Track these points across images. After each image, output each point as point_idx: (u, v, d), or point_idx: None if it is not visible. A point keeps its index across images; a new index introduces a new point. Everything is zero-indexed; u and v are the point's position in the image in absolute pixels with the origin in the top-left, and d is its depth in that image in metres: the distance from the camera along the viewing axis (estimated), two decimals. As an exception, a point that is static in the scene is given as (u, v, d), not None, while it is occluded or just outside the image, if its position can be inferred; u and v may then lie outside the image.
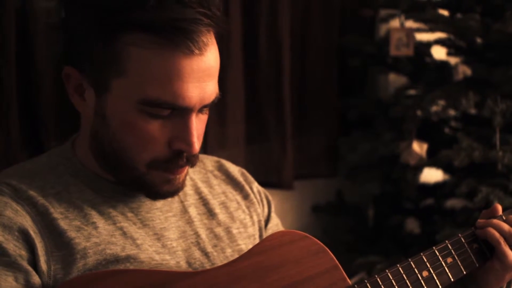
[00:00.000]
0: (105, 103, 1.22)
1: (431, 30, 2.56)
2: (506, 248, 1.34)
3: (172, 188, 1.26)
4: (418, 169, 2.53)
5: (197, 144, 1.22)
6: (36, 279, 1.15)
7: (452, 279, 1.33)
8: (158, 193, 1.26)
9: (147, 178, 1.24)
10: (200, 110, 1.24)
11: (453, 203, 2.60)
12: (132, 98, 1.19)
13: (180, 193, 1.35)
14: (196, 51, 1.18)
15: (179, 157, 1.23)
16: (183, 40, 1.17)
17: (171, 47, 1.17)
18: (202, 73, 1.19)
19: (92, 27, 1.20)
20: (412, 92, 2.64)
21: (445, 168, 2.58)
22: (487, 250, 1.37)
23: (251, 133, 2.57)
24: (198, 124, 1.23)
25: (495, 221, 1.37)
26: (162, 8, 1.16)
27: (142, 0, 1.15)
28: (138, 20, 1.16)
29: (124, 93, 1.19)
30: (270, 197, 1.50)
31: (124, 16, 1.17)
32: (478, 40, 2.52)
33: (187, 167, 1.27)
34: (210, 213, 1.37)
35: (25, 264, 1.14)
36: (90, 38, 1.20)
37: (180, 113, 1.20)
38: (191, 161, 1.25)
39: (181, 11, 1.16)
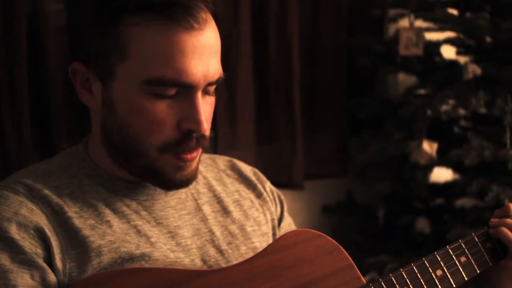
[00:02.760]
0: (111, 91, 1.22)
1: (441, 29, 2.56)
2: None
3: (185, 176, 1.26)
4: (428, 168, 2.52)
5: (205, 123, 1.22)
6: (52, 276, 1.15)
7: (466, 278, 1.33)
8: (172, 181, 1.26)
9: (159, 165, 1.23)
10: (206, 92, 1.24)
11: (463, 202, 2.59)
12: (137, 80, 1.19)
13: (194, 191, 1.36)
14: (196, 26, 1.19)
15: (189, 138, 1.22)
16: (182, 15, 1.18)
17: (171, 23, 1.18)
18: (203, 50, 1.20)
19: (92, 17, 1.21)
20: (421, 91, 2.64)
21: (455, 168, 2.58)
22: (501, 249, 1.37)
23: (261, 134, 2.58)
24: (205, 107, 1.23)
25: (508, 220, 1.37)
26: None
27: None
28: (136, 1, 1.18)
29: (129, 76, 1.20)
30: (282, 197, 1.50)
31: (123, 0, 1.18)
32: (488, 39, 2.51)
33: (198, 153, 1.26)
34: (224, 210, 1.38)
35: (41, 262, 1.15)
36: (91, 29, 1.21)
37: (186, 92, 1.21)
38: (201, 142, 1.24)
39: None
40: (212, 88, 1.26)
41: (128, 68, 1.20)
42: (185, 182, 1.27)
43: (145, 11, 1.18)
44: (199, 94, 1.22)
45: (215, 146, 2.44)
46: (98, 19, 1.20)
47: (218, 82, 1.25)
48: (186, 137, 1.22)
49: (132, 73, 1.20)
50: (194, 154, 1.25)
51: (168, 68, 1.18)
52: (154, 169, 1.24)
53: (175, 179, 1.26)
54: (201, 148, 1.26)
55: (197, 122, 1.21)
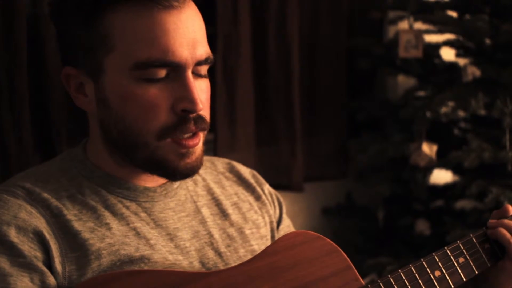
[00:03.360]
0: (103, 86, 1.23)
1: (440, 31, 2.56)
2: None
3: (190, 164, 1.25)
4: (428, 170, 2.53)
5: (199, 101, 1.21)
6: (51, 280, 1.16)
7: (464, 279, 1.33)
8: (177, 170, 1.25)
9: (160, 153, 1.23)
10: (198, 74, 1.24)
11: (463, 204, 2.60)
12: (125, 67, 1.20)
13: (193, 193, 1.36)
14: (175, 4, 1.20)
15: (186, 120, 1.22)
16: None
17: (150, 5, 1.19)
18: (186, 28, 1.21)
19: (73, 18, 1.23)
20: (421, 93, 2.64)
21: (455, 169, 2.58)
22: (499, 250, 1.38)
23: (261, 136, 2.58)
24: (199, 90, 1.23)
25: (506, 221, 1.38)
26: None
27: None
28: None
29: (117, 66, 1.21)
30: (281, 199, 1.50)
31: None
32: (487, 41, 2.52)
33: (199, 139, 1.25)
34: (223, 213, 1.38)
35: (40, 265, 1.15)
36: (76, 28, 1.23)
37: (175, 73, 1.21)
38: (199, 124, 1.24)
39: None
40: (203, 69, 1.26)
41: (115, 58, 1.21)
42: (190, 170, 1.26)
43: None
44: (189, 73, 1.22)
45: (214, 148, 2.44)
46: (79, 17, 1.22)
47: (208, 63, 1.25)
48: (183, 119, 1.22)
49: (119, 62, 1.20)
50: (196, 140, 1.24)
51: (153, 49, 1.19)
52: (157, 159, 1.24)
53: (180, 168, 1.25)
54: (201, 132, 1.26)
55: (191, 100, 1.21)
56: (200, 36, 1.24)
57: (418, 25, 2.58)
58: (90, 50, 1.22)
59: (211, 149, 2.43)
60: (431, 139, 2.45)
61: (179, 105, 1.21)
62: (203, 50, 1.23)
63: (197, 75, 1.24)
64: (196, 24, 1.23)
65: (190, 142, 1.23)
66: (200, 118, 1.24)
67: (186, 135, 1.23)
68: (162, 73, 1.20)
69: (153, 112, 1.21)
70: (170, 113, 1.21)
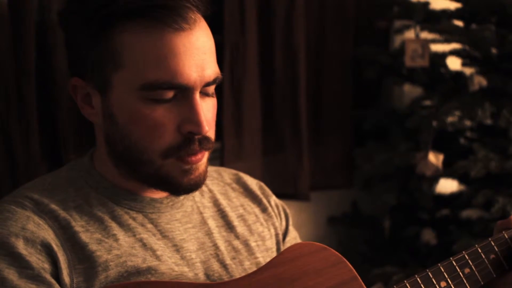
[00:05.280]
0: (110, 102, 1.23)
1: (446, 41, 2.57)
2: None
3: (193, 180, 1.25)
4: (434, 179, 2.53)
5: (205, 124, 1.21)
6: (59, 291, 1.16)
7: (470, 290, 1.34)
8: (180, 186, 1.25)
9: (164, 170, 1.23)
10: (205, 93, 1.24)
11: (469, 213, 2.59)
12: (133, 87, 1.19)
13: (200, 205, 1.37)
14: (185, 26, 1.19)
15: (191, 141, 1.22)
16: (170, 17, 1.18)
17: (160, 26, 1.18)
18: (195, 50, 1.20)
19: (84, 31, 1.22)
20: (427, 102, 2.65)
21: (461, 179, 2.58)
22: (504, 261, 1.38)
23: (268, 145, 2.59)
24: (206, 109, 1.23)
25: None
26: None
27: None
28: (123, 8, 1.18)
29: (125, 84, 1.20)
30: (287, 210, 1.50)
31: (110, 9, 1.19)
32: (493, 50, 2.52)
33: (204, 156, 1.26)
34: (228, 225, 1.38)
35: (48, 277, 1.15)
36: (85, 43, 1.22)
37: (183, 94, 1.21)
38: (204, 144, 1.24)
39: None
40: (211, 89, 1.25)
41: (123, 76, 1.20)
42: (194, 186, 1.26)
43: (134, 17, 1.18)
44: (197, 95, 1.21)
45: (221, 157, 2.45)
46: (89, 31, 1.21)
47: (216, 83, 1.25)
48: (188, 140, 1.22)
49: (127, 80, 1.20)
50: (199, 156, 1.24)
51: (162, 71, 1.18)
52: (161, 176, 1.24)
53: (183, 184, 1.25)
54: (205, 151, 1.26)
55: (197, 123, 1.21)
56: (209, 57, 1.23)
57: (424, 35, 2.59)
58: (98, 65, 1.22)
59: (218, 158, 2.44)
60: (437, 149, 2.45)
61: (185, 126, 1.21)
62: (211, 71, 1.23)
63: (204, 94, 1.24)
64: (206, 45, 1.22)
65: (194, 158, 1.24)
66: (206, 139, 1.24)
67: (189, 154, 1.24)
68: (170, 94, 1.20)
69: (159, 132, 1.21)
70: (176, 133, 1.22)
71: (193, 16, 1.20)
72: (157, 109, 1.20)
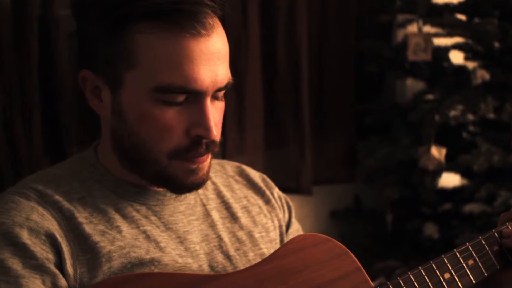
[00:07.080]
0: (121, 99, 1.23)
1: (449, 35, 2.56)
2: None
3: (197, 180, 1.26)
4: (437, 173, 2.53)
5: (214, 129, 1.22)
6: (63, 282, 1.16)
7: (473, 281, 1.33)
8: (184, 185, 1.26)
9: (170, 170, 1.24)
10: (216, 97, 1.24)
11: (472, 207, 2.60)
12: (146, 88, 1.19)
13: (203, 197, 1.37)
14: (203, 32, 1.19)
15: (199, 144, 1.23)
16: (188, 22, 1.17)
17: (178, 30, 1.18)
18: (211, 55, 1.20)
19: (99, 25, 1.21)
20: (430, 97, 2.64)
21: (464, 173, 2.58)
22: (508, 252, 1.38)
23: (270, 139, 2.59)
24: (215, 112, 1.24)
25: None
26: None
27: None
28: (142, 9, 1.18)
29: (138, 84, 1.20)
30: (290, 203, 1.50)
31: (128, 8, 1.18)
32: (496, 44, 2.51)
33: (209, 157, 1.27)
34: (232, 217, 1.38)
35: (52, 267, 1.16)
36: (99, 37, 1.22)
37: (194, 98, 1.21)
38: (211, 148, 1.25)
39: None
40: (221, 93, 1.26)
41: (136, 75, 1.20)
42: (196, 186, 1.27)
43: (152, 18, 1.18)
44: (208, 100, 1.22)
45: (223, 151, 2.45)
46: (104, 27, 1.21)
47: (227, 87, 1.25)
48: (196, 143, 1.23)
49: (140, 81, 1.20)
50: (205, 157, 1.25)
51: (176, 75, 1.18)
52: (166, 175, 1.25)
53: (187, 183, 1.26)
54: (211, 153, 1.27)
55: (207, 128, 1.21)
56: (223, 62, 1.23)
57: (427, 29, 2.58)
58: (111, 61, 1.22)
59: (220, 152, 2.44)
60: (440, 143, 2.45)
61: (194, 130, 1.22)
62: (224, 76, 1.23)
63: (214, 98, 1.25)
64: (222, 51, 1.22)
65: (200, 158, 1.24)
66: (213, 142, 1.25)
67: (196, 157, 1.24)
68: (181, 98, 1.20)
69: (167, 133, 1.21)
70: (184, 136, 1.22)
71: (211, 22, 1.20)
72: (168, 111, 1.20)
